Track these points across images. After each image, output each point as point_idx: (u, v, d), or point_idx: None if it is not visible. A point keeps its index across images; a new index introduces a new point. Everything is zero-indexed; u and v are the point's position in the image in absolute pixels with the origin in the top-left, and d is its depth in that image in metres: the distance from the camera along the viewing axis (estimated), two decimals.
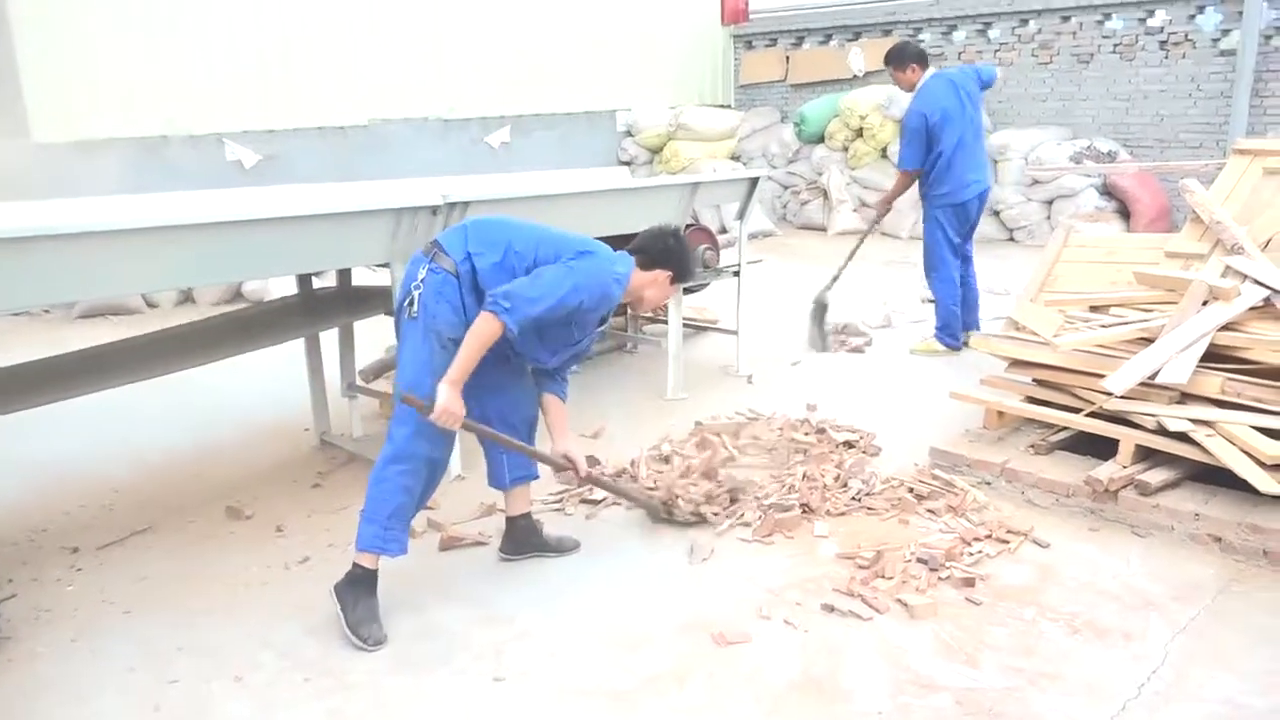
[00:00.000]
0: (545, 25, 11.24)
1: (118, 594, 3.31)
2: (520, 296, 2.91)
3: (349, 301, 4.64)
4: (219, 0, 8.74)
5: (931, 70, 5.78)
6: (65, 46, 7.93)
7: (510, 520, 3.53)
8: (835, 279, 6.21)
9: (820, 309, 6.17)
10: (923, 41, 11.24)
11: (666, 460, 4.20)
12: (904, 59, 5.72)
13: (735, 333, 5.65)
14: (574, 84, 11.64)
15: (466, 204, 3.94)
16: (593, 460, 3.64)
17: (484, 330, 2.91)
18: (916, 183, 5.82)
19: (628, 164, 12.15)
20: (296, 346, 4.62)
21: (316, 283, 4.81)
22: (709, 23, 13.00)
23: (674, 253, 3.35)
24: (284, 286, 6.21)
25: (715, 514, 3.71)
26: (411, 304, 3.04)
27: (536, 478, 3.54)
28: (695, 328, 6.17)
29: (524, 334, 2.97)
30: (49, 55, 7.87)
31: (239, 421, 5.05)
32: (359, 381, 4.83)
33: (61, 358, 4.06)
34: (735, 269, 5.55)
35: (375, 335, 5.34)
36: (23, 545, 3.68)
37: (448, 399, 2.90)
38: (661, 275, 3.32)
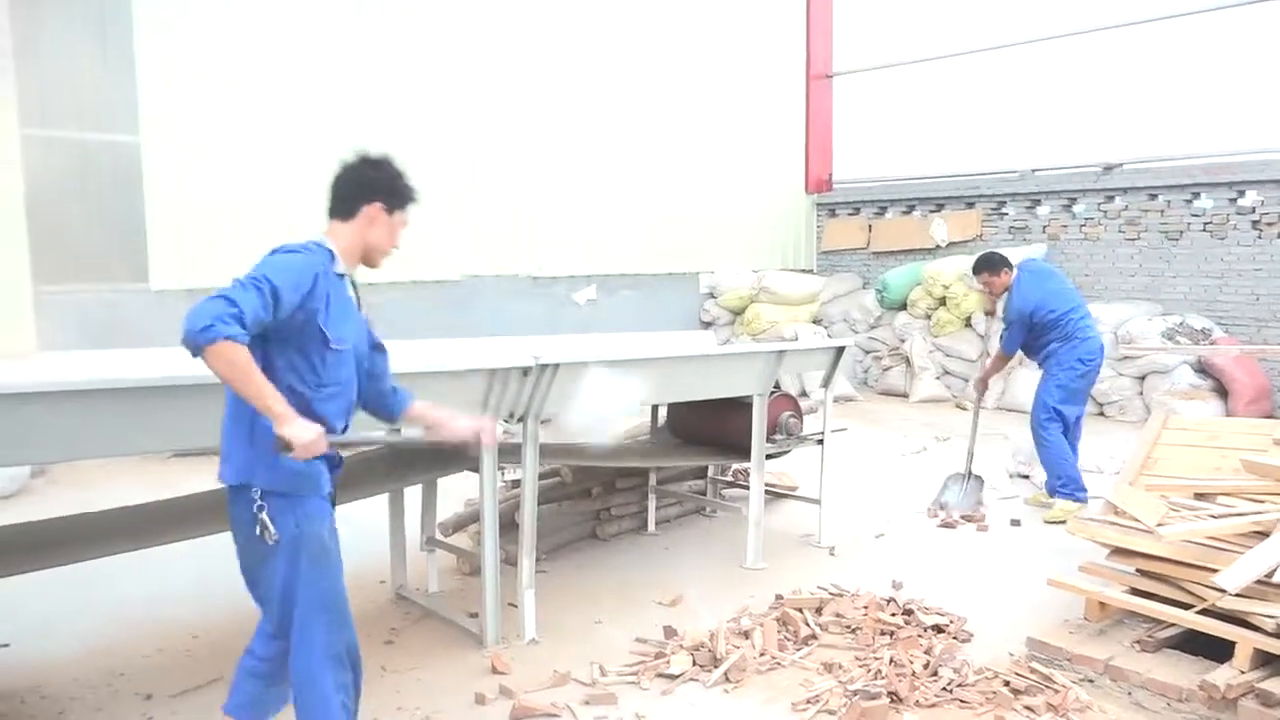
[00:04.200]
0: (633, 187, 11.70)
1: None
2: (205, 311, 2.36)
3: (435, 456, 4.70)
4: (318, 160, 9.33)
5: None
6: (188, 200, 8.49)
7: None
8: (971, 456, 6.43)
9: (968, 477, 6.36)
10: (1006, 215, 11.38)
11: (746, 635, 4.06)
12: (996, 265, 6.24)
13: (817, 501, 5.54)
14: (659, 245, 12.00)
15: (556, 366, 4.00)
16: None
17: (230, 364, 2.37)
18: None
19: (709, 325, 12.34)
20: (378, 496, 4.66)
21: None
22: (793, 190, 13.41)
23: (373, 180, 2.80)
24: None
25: None
26: (264, 533, 2.62)
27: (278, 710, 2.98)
28: (775, 494, 6.08)
29: (282, 357, 2.56)
30: (173, 208, 8.42)
31: None
32: (438, 535, 4.84)
33: (150, 506, 4.16)
34: (819, 437, 5.50)
35: (457, 489, 5.38)
36: (100, 690, 3.68)
37: (299, 427, 2.45)
38: (372, 211, 2.77)
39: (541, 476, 4.84)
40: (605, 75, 11.37)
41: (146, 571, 4.75)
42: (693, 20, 12.20)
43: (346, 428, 2.87)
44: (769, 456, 5.28)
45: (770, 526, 5.45)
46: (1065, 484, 5.93)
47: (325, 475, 2.76)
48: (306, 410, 2.61)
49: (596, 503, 5.57)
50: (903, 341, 11.07)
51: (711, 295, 12.49)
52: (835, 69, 13.73)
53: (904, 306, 11.26)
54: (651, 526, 5.74)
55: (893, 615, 4.23)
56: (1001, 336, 6.31)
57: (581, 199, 11.25)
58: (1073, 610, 4.14)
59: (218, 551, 4.85)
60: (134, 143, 8.27)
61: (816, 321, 11.99)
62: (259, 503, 2.62)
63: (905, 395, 10.77)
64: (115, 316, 7.92)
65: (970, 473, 6.36)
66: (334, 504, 2.85)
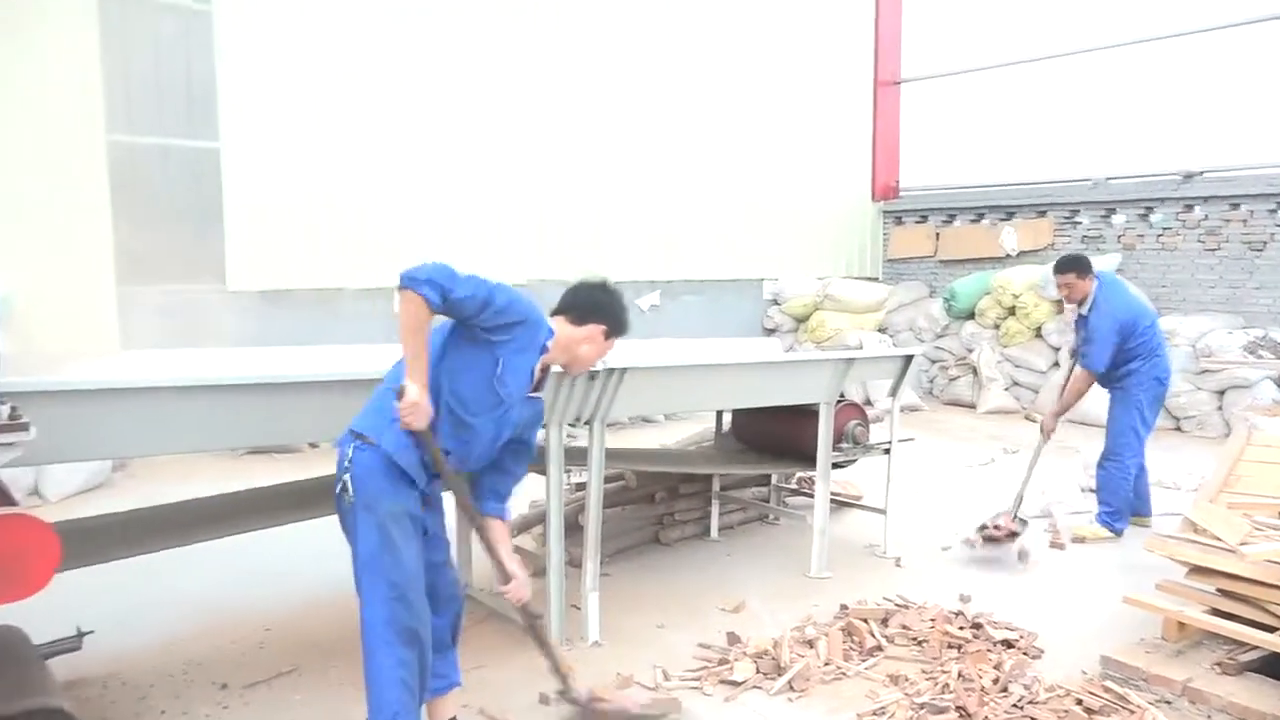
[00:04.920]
0: (698, 193, 11.70)
1: None
2: (430, 269, 2.73)
3: None
4: (389, 166, 9.48)
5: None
6: (263, 204, 8.71)
7: None
8: (1020, 501, 5.67)
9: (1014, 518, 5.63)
10: (1079, 224, 11.13)
11: (811, 644, 4.02)
12: (1085, 267, 5.73)
13: (883, 512, 5.47)
14: (723, 251, 11.98)
15: (624, 370, 4.02)
16: (532, 611, 3.22)
17: (408, 311, 2.70)
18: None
19: (772, 331, 12.28)
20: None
21: None
22: (859, 198, 13.29)
23: (606, 305, 3.12)
24: None
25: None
26: (344, 490, 2.83)
27: (458, 685, 3.22)
28: (840, 503, 6.02)
29: (447, 353, 2.84)
30: (249, 211, 8.65)
31: None
32: None
33: (227, 496, 4.28)
34: (886, 446, 5.43)
35: (521, 491, 5.42)
36: (177, 678, 3.79)
37: (417, 394, 2.70)
38: (595, 330, 3.09)
39: (605, 480, 4.86)
40: (673, 81, 11.40)
41: (220, 564, 4.88)
42: (760, 26, 12.17)
43: (450, 457, 2.96)
44: (835, 465, 5.24)
45: (835, 536, 5.40)
46: (1113, 512, 5.69)
47: (419, 470, 2.87)
48: (432, 398, 2.82)
49: (659, 508, 5.58)
50: (970, 351, 10.89)
51: (775, 302, 12.42)
52: (903, 75, 13.59)
53: (972, 316, 11.08)
54: (714, 533, 5.72)
55: (960, 629, 4.16)
56: (1080, 353, 5.75)
57: (646, 204, 11.28)
58: (1147, 629, 4.03)
59: (289, 546, 5.00)
60: (214, 148, 8.52)
61: (881, 330, 11.86)
62: (348, 462, 2.82)
63: (972, 406, 10.58)
64: (193, 316, 8.16)
65: (1016, 516, 5.54)
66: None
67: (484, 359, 2.89)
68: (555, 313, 3.13)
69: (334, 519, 4.13)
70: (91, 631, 3.63)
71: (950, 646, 4.02)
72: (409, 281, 2.71)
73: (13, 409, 2.23)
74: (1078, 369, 5.83)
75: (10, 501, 2.78)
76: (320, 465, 5.37)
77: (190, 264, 8.44)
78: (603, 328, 3.11)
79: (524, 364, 2.97)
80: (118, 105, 8.05)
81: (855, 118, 13.33)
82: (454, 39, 9.74)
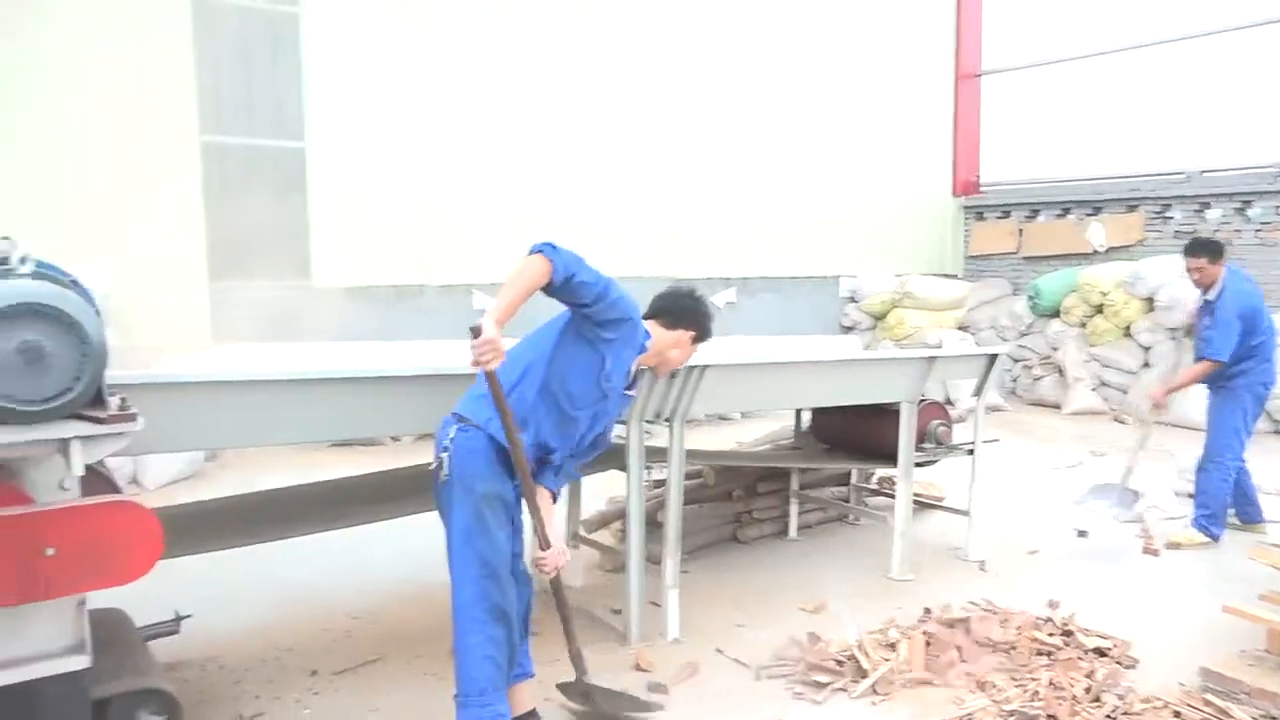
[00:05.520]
0: (774, 189, 11.61)
1: None
2: (567, 250, 2.86)
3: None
4: (469, 164, 9.60)
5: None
6: (347, 202, 8.91)
7: None
8: (1129, 472, 5.84)
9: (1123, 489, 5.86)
10: (1171, 219, 10.75)
11: (893, 648, 3.96)
12: (1217, 250, 5.50)
13: (967, 513, 5.36)
14: (799, 248, 11.87)
15: (704, 368, 4.00)
16: (557, 579, 3.24)
17: (528, 268, 2.81)
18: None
19: (849, 329, 12.12)
20: None
21: None
22: (939, 193, 13.04)
23: (695, 312, 3.33)
24: None
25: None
26: (441, 466, 2.93)
27: (531, 675, 3.28)
28: (922, 504, 5.91)
29: (555, 371, 2.96)
30: (333, 209, 8.86)
31: None
32: (582, 532, 4.92)
33: (314, 487, 4.38)
34: (970, 446, 5.32)
35: (599, 488, 5.46)
36: (269, 663, 3.90)
37: (492, 330, 2.72)
38: (684, 335, 3.31)
39: (684, 477, 4.85)
40: (751, 76, 11.32)
41: (308, 553, 4.99)
42: (837, 19, 12.02)
43: (555, 454, 3.12)
44: (917, 465, 5.14)
45: (916, 537, 5.31)
46: (1210, 515, 5.49)
47: (523, 450, 2.95)
48: (532, 396, 2.99)
49: (738, 505, 5.55)
50: (1055, 350, 10.60)
51: (852, 299, 12.26)
52: (985, 68, 13.28)
53: (1057, 314, 10.78)
54: (793, 532, 5.68)
55: (1050, 635, 4.05)
56: (1204, 339, 5.47)
57: (721, 200, 11.23)
58: (1247, 640, 3.88)
59: (375, 538, 5.10)
60: (300, 148, 8.74)
61: (962, 328, 11.62)
62: (449, 441, 2.92)
63: (1057, 407, 10.30)
64: (281, 311, 8.37)
65: (1125, 487, 5.85)
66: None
67: (592, 357, 3.03)
68: (648, 316, 3.27)
69: (417, 517, 4.25)
70: (189, 616, 3.75)
71: (1039, 653, 3.92)
72: (544, 248, 2.82)
73: (122, 400, 2.31)
74: (1196, 359, 5.61)
75: (115, 489, 2.88)
76: (403, 459, 5.48)
77: (277, 261, 8.67)
78: (691, 333, 3.32)
79: (624, 361, 3.12)
80: (209, 108, 8.31)
81: (935, 111, 13.08)
82: (529, 38, 9.81)
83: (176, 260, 7.96)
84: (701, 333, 3.35)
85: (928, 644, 3.97)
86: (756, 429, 7.93)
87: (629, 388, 3.25)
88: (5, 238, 2.20)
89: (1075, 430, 9.23)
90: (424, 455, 5.09)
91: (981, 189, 13.02)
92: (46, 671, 2.47)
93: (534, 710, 3.31)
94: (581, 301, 2.94)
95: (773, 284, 11.67)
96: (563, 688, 3.51)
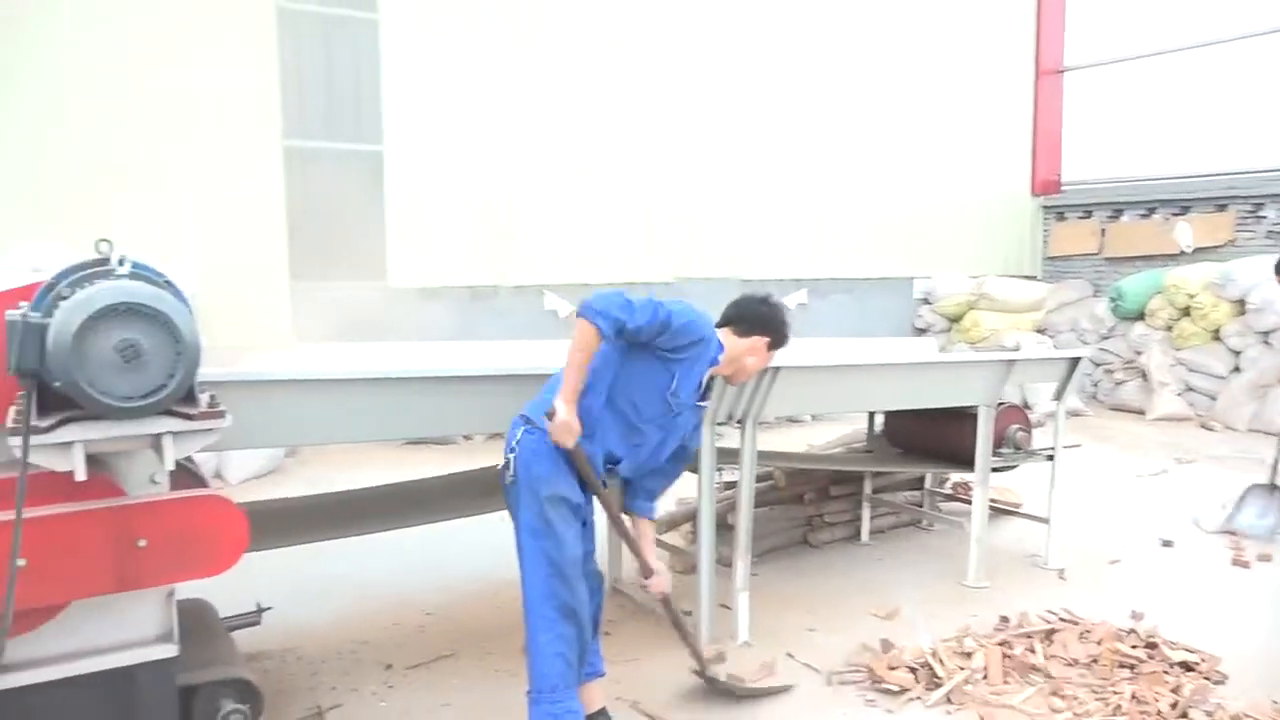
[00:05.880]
0: (846, 188, 11.48)
1: (422, 717, 3.47)
2: (608, 301, 2.85)
3: None
4: (542, 172, 9.68)
5: None
6: (422, 205, 9.07)
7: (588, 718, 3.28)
8: (1276, 468, 5.76)
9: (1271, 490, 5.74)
10: (1265, 218, 10.35)
11: (969, 656, 3.88)
12: None
13: (1046, 520, 5.23)
14: (872, 249, 11.72)
15: (777, 370, 3.97)
16: (665, 598, 3.35)
17: (579, 337, 2.85)
18: None
19: (923, 331, 11.93)
20: None
21: None
22: (1017, 192, 12.76)
23: (769, 318, 3.28)
24: None
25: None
26: (508, 468, 3.00)
27: (602, 674, 3.30)
28: (998, 510, 5.78)
29: (619, 380, 2.96)
30: (409, 212, 9.03)
31: None
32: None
33: (389, 487, 4.47)
34: (1049, 452, 5.19)
35: (670, 489, 5.44)
36: (346, 656, 3.99)
37: (565, 413, 2.83)
38: (759, 342, 3.26)
39: (755, 479, 4.82)
40: (822, 74, 11.22)
41: (382, 548, 5.08)
42: (913, 16, 11.83)
43: (622, 465, 3.15)
44: (994, 470, 5.03)
45: (992, 544, 5.20)
46: None
47: (591, 459, 3.01)
48: (598, 407, 3.01)
49: (809, 508, 5.50)
50: (1139, 354, 10.28)
51: (926, 301, 12.06)
52: (1067, 63, 12.95)
53: (1141, 317, 10.44)
54: (865, 536, 5.61)
55: (1133, 648, 3.93)
56: None
57: (793, 201, 11.14)
58: None
59: (448, 536, 5.17)
60: (378, 151, 8.92)
61: (1040, 331, 11.34)
62: (515, 443, 2.97)
63: (1140, 412, 9.98)
64: (358, 311, 8.56)
65: (1275, 485, 5.69)
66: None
67: (660, 372, 3.03)
68: (720, 324, 3.25)
69: (487, 515, 4.30)
70: (270, 608, 3.86)
71: (1122, 666, 3.80)
72: (586, 312, 2.85)
73: (211, 397, 2.38)
74: None
75: (203, 483, 2.98)
76: (476, 458, 5.55)
77: (355, 262, 8.87)
78: (766, 340, 3.27)
79: (695, 375, 3.12)
80: (292, 112, 8.54)
81: (1014, 108, 12.79)
82: (599, 40, 9.87)
83: (260, 261, 8.19)
84: (777, 338, 3.31)
85: (1005, 654, 3.88)
86: (827, 432, 7.85)
87: (701, 399, 3.24)
88: (104, 240, 2.29)
89: (1160, 436, 8.94)
90: (495, 455, 5.15)
91: (1062, 188, 12.69)
92: (138, 658, 2.57)
93: (604, 709, 3.32)
94: (643, 341, 2.96)
95: (845, 285, 11.54)
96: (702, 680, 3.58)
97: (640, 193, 10.13)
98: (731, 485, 4.69)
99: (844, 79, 11.36)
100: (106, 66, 7.55)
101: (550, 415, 2.87)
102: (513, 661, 3.95)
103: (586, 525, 3.12)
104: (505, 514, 4.28)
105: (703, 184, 10.54)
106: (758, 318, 3.28)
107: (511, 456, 2.98)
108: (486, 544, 5.41)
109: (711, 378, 3.27)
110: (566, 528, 2.96)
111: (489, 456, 5.79)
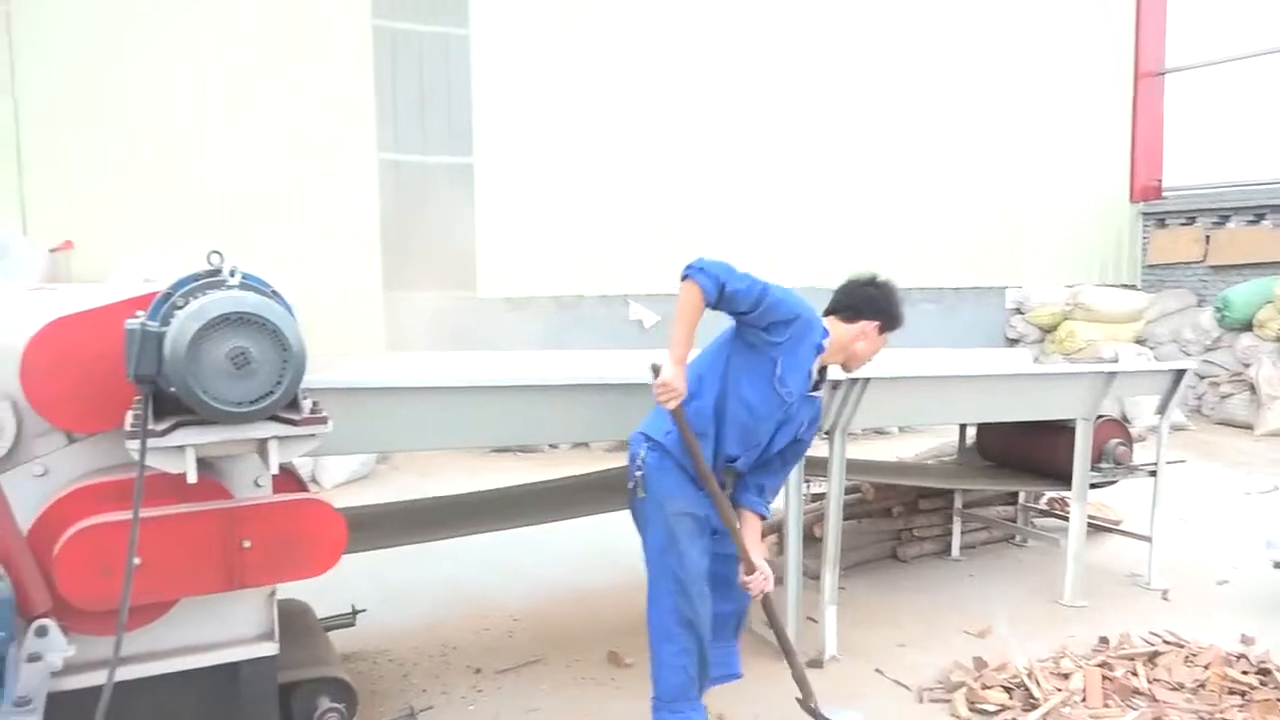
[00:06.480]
0: (935, 197, 11.26)
1: None
2: (712, 262, 2.87)
3: None
4: (626, 183, 9.73)
5: None
6: (511, 216, 9.22)
7: None
8: None
9: None
10: None
11: (1066, 678, 3.76)
12: None
13: (1148, 539, 5.04)
14: (962, 257, 11.46)
15: (867, 380, 3.92)
16: (766, 598, 3.25)
17: (685, 297, 2.87)
18: None
19: (1015, 342, 11.62)
20: None
21: None
22: (1114, 198, 12.35)
23: (877, 300, 3.16)
24: None
25: None
26: (636, 486, 3.03)
27: (739, 676, 3.35)
28: (1097, 527, 5.60)
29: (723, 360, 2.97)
30: (498, 223, 9.18)
31: (621, 566, 5.25)
32: None
33: (480, 494, 4.55)
34: (1151, 468, 5.01)
35: None
36: (435, 659, 4.06)
37: (671, 373, 2.85)
38: (868, 326, 3.15)
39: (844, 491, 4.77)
40: (903, 76, 11.03)
41: (471, 554, 5.19)
42: (1006, 19, 11.56)
43: (737, 462, 3.11)
44: (1092, 486, 4.87)
45: (1090, 562, 5.03)
46: None
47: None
48: (710, 408, 3.01)
49: (898, 522, 5.41)
50: (1247, 366, 9.84)
51: (1019, 311, 11.74)
52: (1168, 65, 12.49)
53: (1249, 327, 10.00)
54: (955, 551, 5.48)
55: (1243, 673, 3.76)
56: None
57: (879, 207, 10.97)
58: None
59: (533, 542, 5.24)
60: (468, 164, 9.10)
61: (1140, 342, 10.95)
62: (640, 461, 3.02)
63: (1248, 427, 9.55)
64: (448, 321, 8.73)
65: None
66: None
67: (763, 362, 2.98)
68: (827, 313, 3.18)
69: (574, 522, 4.34)
70: (364, 610, 3.96)
71: (1231, 693, 3.64)
72: (691, 271, 2.86)
73: (314, 403, 2.46)
74: None
75: (303, 487, 3.07)
76: (558, 466, 5.62)
77: (445, 272, 9.04)
78: (876, 323, 3.15)
79: (801, 363, 3.02)
80: (386, 126, 8.77)
81: (1111, 112, 12.37)
82: (682, 53, 9.89)
83: (354, 271, 8.41)
84: (888, 320, 3.17)
85: (1105, 676, 3.75)
86: (915, 444, 7.71)
87: (814, 389, 3.15)
88: (216, 251, 2.38)
89: (1270, 453, 8.54)
90: (578, 464, 5.23)
91: (1163, 194, 12.24)
92: (241, 656, 2.66)
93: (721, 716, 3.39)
94: (740, 309, 2.92)
95: (933, 295, 11.31)
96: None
97: (724, 201, 10.11)
98: (819, 497, 4.64)
99: (930, 81, 11.14)
100: (217, 87, 7.88)
101: (655, 371, 2.88)
102: (599, 669, 3.99)
103: (717, 533, 3.13)
104: (590, 520, 4.35)
105: (788, 191, 10.47)
106: (865, 300, 3.16)
107: (640, 475, 3.02)
108: (572, 551, 5.48)
109: (823, 369, 3.19)
110: (691, 542, 3.00)
111: (571, 465, 5.87)
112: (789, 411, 3.05)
